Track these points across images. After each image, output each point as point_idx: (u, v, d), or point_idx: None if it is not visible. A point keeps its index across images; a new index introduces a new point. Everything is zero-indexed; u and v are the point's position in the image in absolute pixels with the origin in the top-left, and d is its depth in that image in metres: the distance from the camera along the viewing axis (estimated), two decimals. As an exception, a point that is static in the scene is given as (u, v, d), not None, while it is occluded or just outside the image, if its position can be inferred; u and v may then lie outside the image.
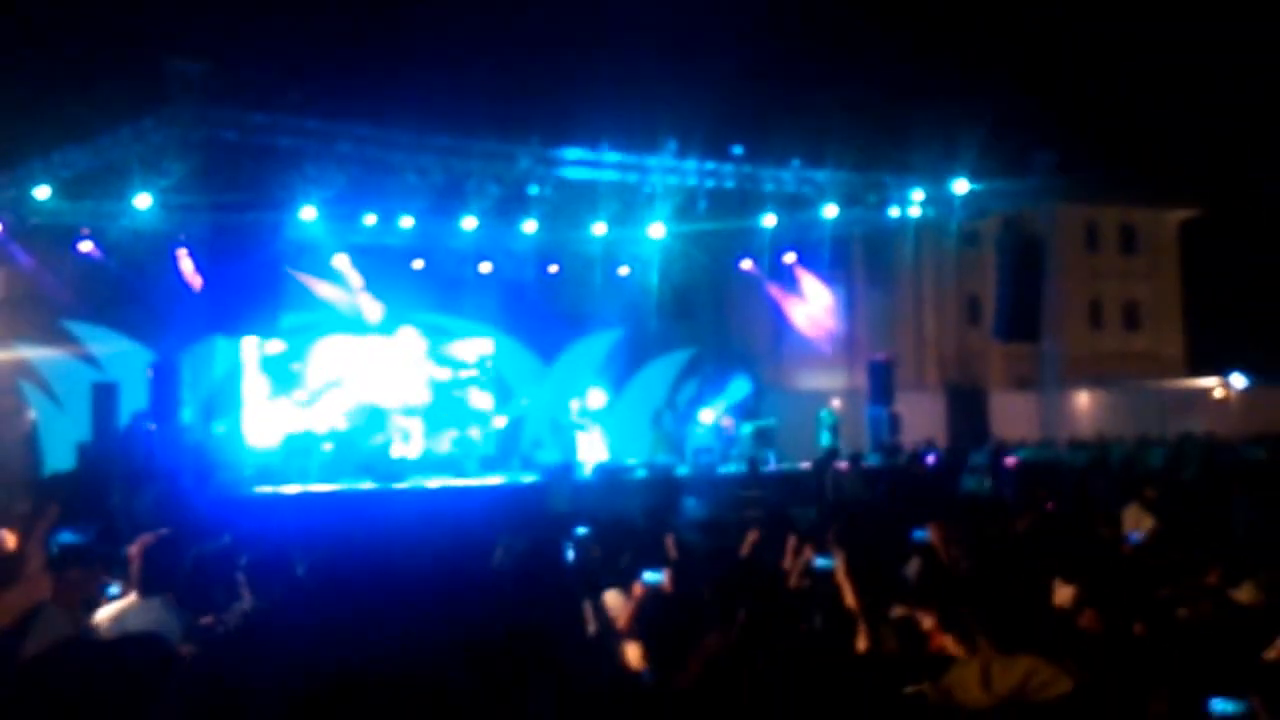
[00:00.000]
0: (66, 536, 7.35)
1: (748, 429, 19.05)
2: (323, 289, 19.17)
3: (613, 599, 6.36)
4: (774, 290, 21.36)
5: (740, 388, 20.01)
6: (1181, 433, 23.47)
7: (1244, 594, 6.29)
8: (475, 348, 20.57)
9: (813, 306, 21.25)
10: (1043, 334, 21.35)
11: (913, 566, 7.57)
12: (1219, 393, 30.18)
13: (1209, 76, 35.44)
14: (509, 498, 15.13)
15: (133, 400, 15.93)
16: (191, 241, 16.99)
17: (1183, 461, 20.51)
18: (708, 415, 19.45)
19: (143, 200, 15.18)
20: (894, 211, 19.59)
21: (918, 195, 19.44)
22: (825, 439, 19.52)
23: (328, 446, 17.41)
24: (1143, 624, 5.28)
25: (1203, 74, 36.01)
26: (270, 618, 5.41)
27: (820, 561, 6.82)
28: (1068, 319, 30.49)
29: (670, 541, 7.92)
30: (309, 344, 19.30)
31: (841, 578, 5.91)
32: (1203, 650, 4.83)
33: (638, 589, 6.28)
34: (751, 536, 7.79)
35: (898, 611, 5.55)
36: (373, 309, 19.48)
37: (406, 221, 17.61)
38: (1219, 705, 4.06)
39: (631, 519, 11.93)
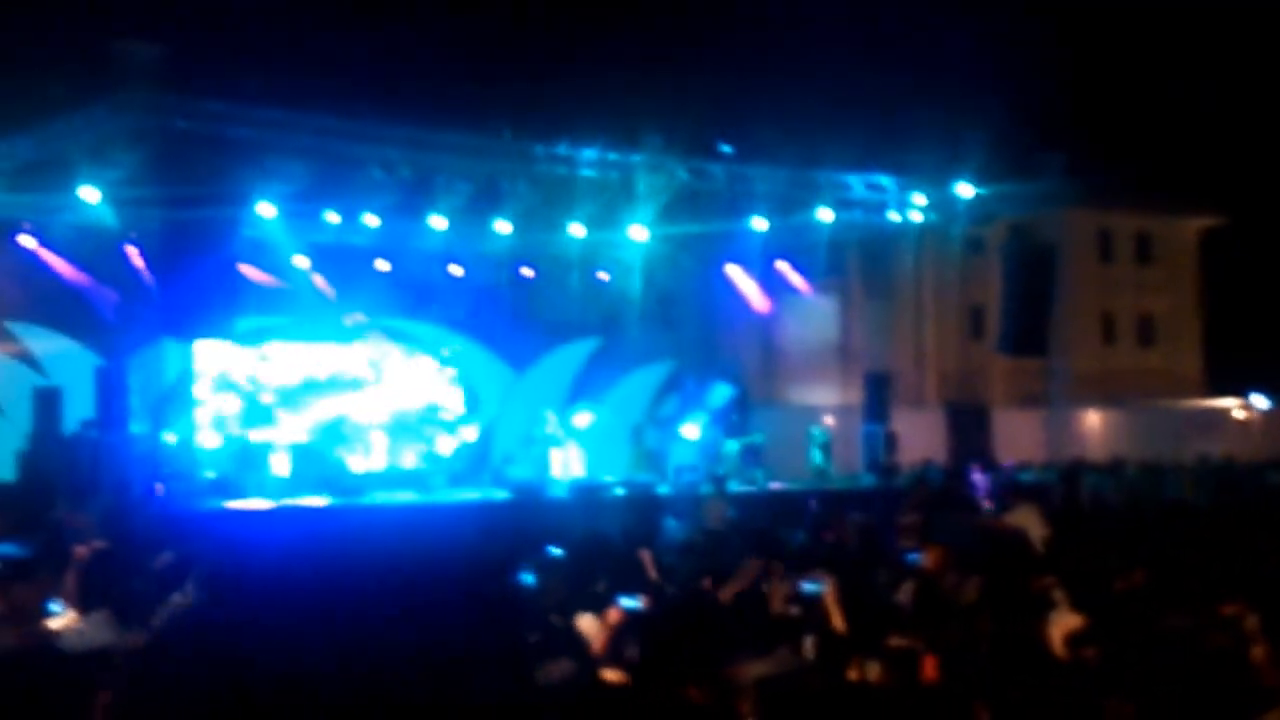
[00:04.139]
0: (5, 549, 7.48)
1: (733, 445, 19.16)
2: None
3: (587, 624, 6.49)
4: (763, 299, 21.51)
5: (721, 394, 20.05)
6: (1199, 456, 23.49)
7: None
8: (444, 357, 20.69)
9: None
10: (1051, 348, 21.52)
11: (906, 592, 7.70)
12: (1240, 414, 30.22)
13: (1233, 74, 35.54)
14: (477, 516, 15.22)
15: (77, 407, 15.98)
16: (142, 238, 17.09)
17: (1199, 487, 20.68)
18: (691, 430, 19.59)
19: (89, 193, 15.24)
20: (894, 216, 19.76)
21: (919, 199, 19.63)
22: (816, 457, 19.69)
23: (284, 459, 17.49)
24: (1148, 658, 5.31)
25: (1226, 71, 36.00)
26: (205, 614, 5.62)
27: (808, 586, 6.95)
28: (1078, 333, 30.66)
29: (647, 559, 8.05)
30: (266, 350, 19.39)
31: (831, 603, 6.17)
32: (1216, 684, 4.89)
33: (614, 615, 6.37)
34: (750, 569, 7.72)
35: (895, 642, 5.66)
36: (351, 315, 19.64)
37: (371, 220, 17.59)
38: None
39: (609, 540, 12.15)
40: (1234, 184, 34.05)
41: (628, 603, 6.46)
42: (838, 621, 6.07)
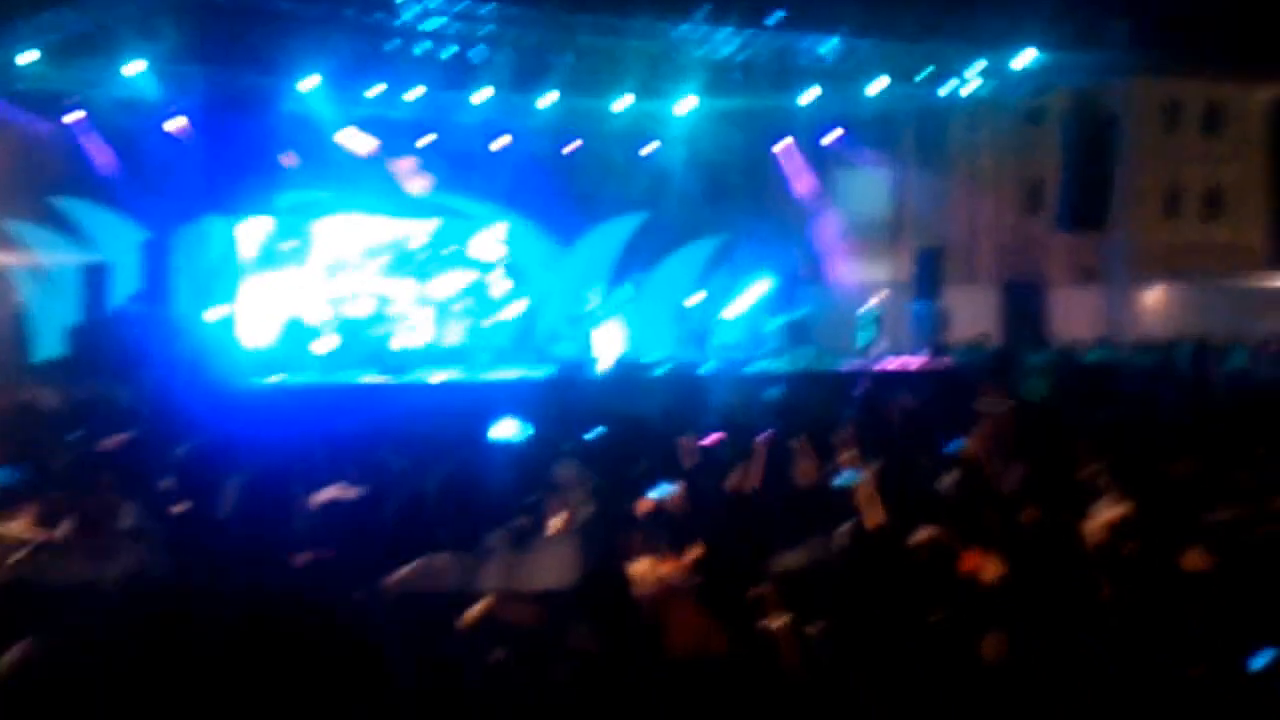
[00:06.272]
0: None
1: (778, 322, 19.20)
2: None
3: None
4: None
5: (766, 274, 20.11)
6: (1264, 335, 23.30)
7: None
8: (490, 234, 20.87)
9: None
10: (1112, 224, 21.33)
11: (947, 481, 7.75)
12: None
13: None
14: (522, 393, 15.53)
15: (125, 283, 16.40)
16: (185, 112, 17.27)
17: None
18: (737, 308, 19.69)
19: (134, 66, 15.41)
20: (949, 88, 19.52)
21: (976, 69, 19.34)
22: (865, 337, 19.75)
23: (330, 336, 17.88)
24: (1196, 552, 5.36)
25: None
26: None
27: (846, 475, 7.08)
28: (1141, 207, 30.34)
29: (686, 446, 8.20)
30: (310, 224, 19.72)
31: (867, 496, 6.16)
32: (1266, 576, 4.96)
33: (645, 504, 6.65)
34: (765, 445, 7.83)
35: (930, 534, 5.63)
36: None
37: (414, 94, 17.52)
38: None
39: (650, 420, 12.40)
40: None
41: (660, 490, 6.73)
42: (874, 515, 6.03)
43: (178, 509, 6.52)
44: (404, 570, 5.29)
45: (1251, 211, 34.89)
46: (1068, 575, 5.09)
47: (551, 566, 5.24)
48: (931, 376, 18.27)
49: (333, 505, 6.61)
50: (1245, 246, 34.02)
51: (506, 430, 9.29)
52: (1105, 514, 6.30)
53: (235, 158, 17.38)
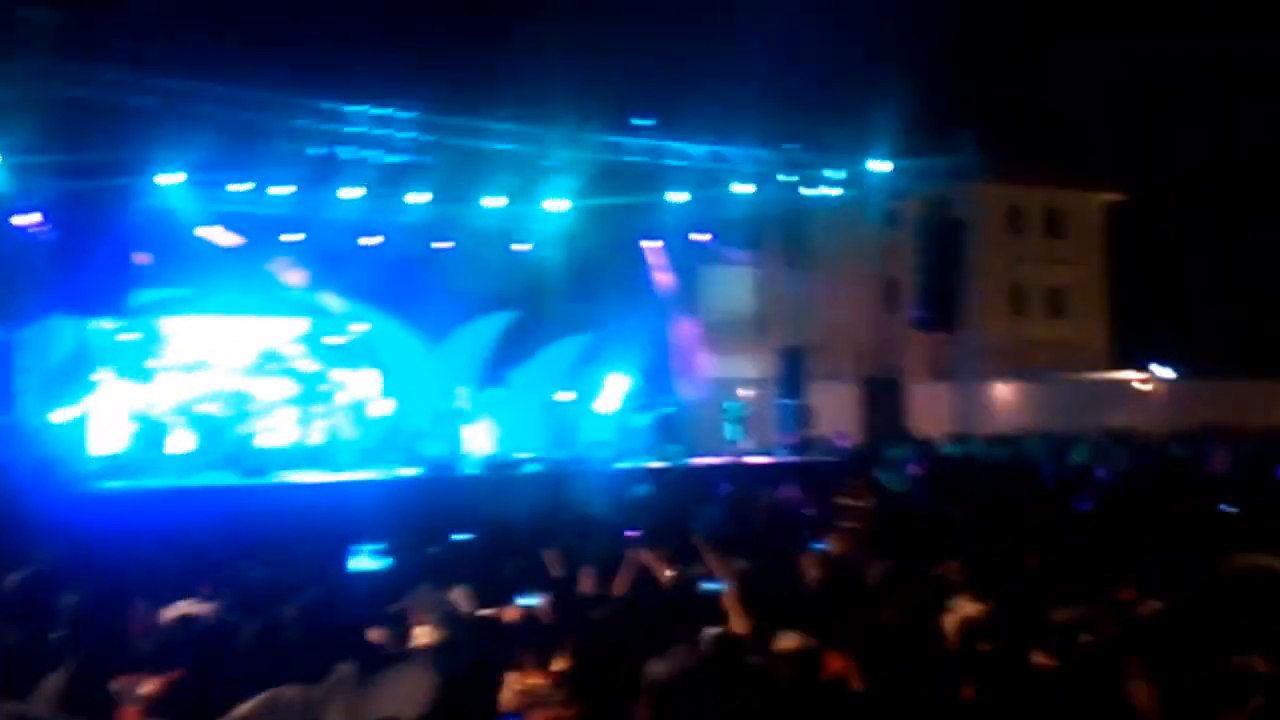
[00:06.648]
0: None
1: (645, 419, 19.36)
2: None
3: (485, 616, 6.63)
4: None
5: (630, 371, 20.29)
6: (1103, 429, 24.15)
7: (1151, 612, 6.49)
8: (357, 332, 20.68)
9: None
10: (963, 323, 22.01)
11: (812, 574, 7.90)
12: (1143, 386, 30.88)
13: (1140, 52, 36.68)
14: (388, 495, 15.22)
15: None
16: (37, 207, 16.73)
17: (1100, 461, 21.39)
18: (604, 405, 19.80)
19: (-15, 161, 14.94)
20: (810, 191, 20.14)
21: (835, 174, 20.01)
22: (731, 432, 20.02)
23: (187, 437, 17.33)
24: (1043, 650, 5.48)
25: (1133, 49, 37.11)
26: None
27: (708, 585, 7.12)
28: (989, 306, 31.36)
29: (551, 559, 8.09)
30: (169, 322, 19.29)
31: (732, 603, 6.24)
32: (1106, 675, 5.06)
33: (509, 613, 6.63)
34: (640, 551, 7.87)
35: (797, 641, 5.68)
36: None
37: (281, 190, 17.43)
38: None
39: (519, 521, 12.30)
40: (1138, 160, 35.64)
41: (526, 600, 6.72)
42: (738, 623, 6.07)
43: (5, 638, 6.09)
44: (246, 707, 5.01)
45: (1092, 309, 36.57)
46: (930, 675, 5.14)
47: (410, 692, 5.11)
48: (796, 471, 18.62)
49: (184, 623, 6.41)
50: (1086, 343, 35.51)
51: (366, 563, 9.05)
52: (962, 610, 6.48)
53: (89, 254, 16.86)
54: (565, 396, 20.40)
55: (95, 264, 16.81)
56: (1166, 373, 30.68)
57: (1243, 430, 23.46)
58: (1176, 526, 10.84)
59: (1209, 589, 6.92)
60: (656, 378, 21.42)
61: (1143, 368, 30.97)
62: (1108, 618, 6.33)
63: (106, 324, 18.66)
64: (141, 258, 17.63)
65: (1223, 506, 12.98)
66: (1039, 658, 5.40)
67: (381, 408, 20.29)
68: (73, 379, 18.35)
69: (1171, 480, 17.59)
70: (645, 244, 21.61)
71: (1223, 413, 25.72)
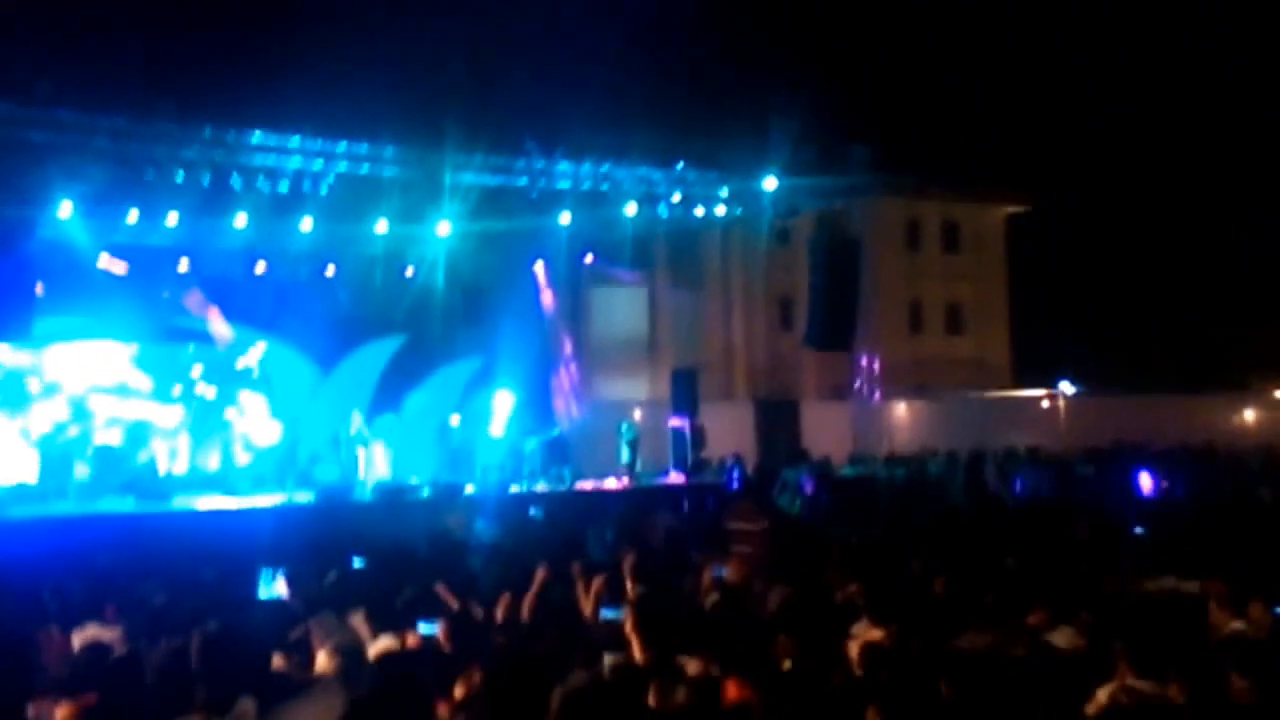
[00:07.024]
0: None
1: (532, 443, 19.91)
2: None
3: (386, 644, 6.86)
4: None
5: (505, 400, 20.78)
6: (1006, 447, 24.73)
7: (1063, 638, 6.67)
8: (247, 357, 21.17)
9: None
10: (858, 342, 22.85)
11: (710, 600, 8.22)
12: (1046, 403, 30.71)
13: (1037, 62, 37.63)
14: (284, 520, 15.73)
15: None
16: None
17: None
18: (496, 428, 20.60)
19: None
20: (699, 210, 20.79)
21: (724, 193, 20.66)
22: (625, 454, 20.87)
23: (84, 464, 17.89)
24: (946, 676, 5.51)
25: (1030, 59, 37.42)
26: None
27: (607, 613, 7.48)
28: (886, 322, 31.74)
29: (443, 591, 8.46)
30: (62, 350, 19.67)
31: (630, 631, 6.36)
32: (1014, 703, 5.25)
33: (411, 639, 6.91)
34: (539, 576, 8.29)
35: (695, 668, 5.81)
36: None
37: (172, 219, 17.93)
38: None
39: (414, 545, 13.12)
40: (1037, 171, 35.56)
41: (426, 628, 6.97)
42: (637, 652, 6.18)
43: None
44: None
45: (992, 326, 36.85)
46: (833, 705, 5.25)
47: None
48: (689, 493, 19.44)
49: (94, 649, 6.61)
50: (987, 360, 35.83)
51: (266, 590, 9.39)
52: (864, 636, 6.70)
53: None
54: (457, 420, 21.11)
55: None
56: (1069, 389, 30.44)
57: (1148, 447, 24.03)
58: (1087, 550, 11.35)
59: (1121, 613, 7.06)
60: (540, 401, 21.89)
61: (1045, 384, 30.80)
62: (1017, 643, 6.43)
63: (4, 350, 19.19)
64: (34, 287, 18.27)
65: (1135, 529, 13.65)
66: (943, 686, 5.43)
67: (272, 433, 20.80)
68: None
69: (1079, 501, 18.09)
70: (535, 267, 22.26)
71: (1128, 429, 25.92)
